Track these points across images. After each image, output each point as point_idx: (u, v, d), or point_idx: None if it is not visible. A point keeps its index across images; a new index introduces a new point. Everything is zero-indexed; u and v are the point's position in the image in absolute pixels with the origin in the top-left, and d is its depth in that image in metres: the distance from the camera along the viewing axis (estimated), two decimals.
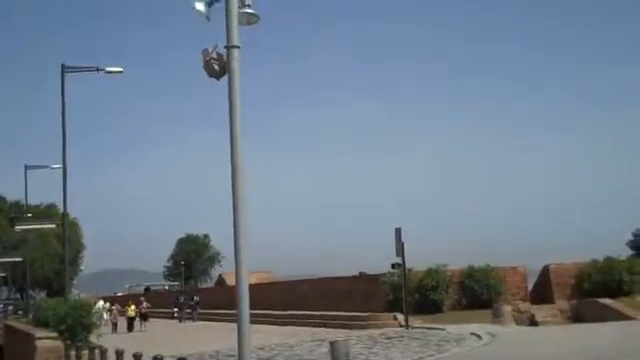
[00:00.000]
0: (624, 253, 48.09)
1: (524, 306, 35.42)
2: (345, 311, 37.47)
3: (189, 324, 51.03)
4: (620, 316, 32.15)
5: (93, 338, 23.85)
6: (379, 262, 35.13)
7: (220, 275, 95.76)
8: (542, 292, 37.91)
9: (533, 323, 33.55)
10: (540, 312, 34.76)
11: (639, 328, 26.98)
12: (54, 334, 21.12)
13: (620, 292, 35.93)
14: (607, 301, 34.32)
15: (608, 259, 37.95)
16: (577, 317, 34.44)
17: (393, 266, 34.16)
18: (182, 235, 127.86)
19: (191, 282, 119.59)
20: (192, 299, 57.44)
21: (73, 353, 19.48)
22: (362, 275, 41.83)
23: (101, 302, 54.50)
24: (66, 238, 32.36)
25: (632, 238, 62.22)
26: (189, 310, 56.02)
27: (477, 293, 35.75)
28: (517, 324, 32.68)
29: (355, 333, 29.89)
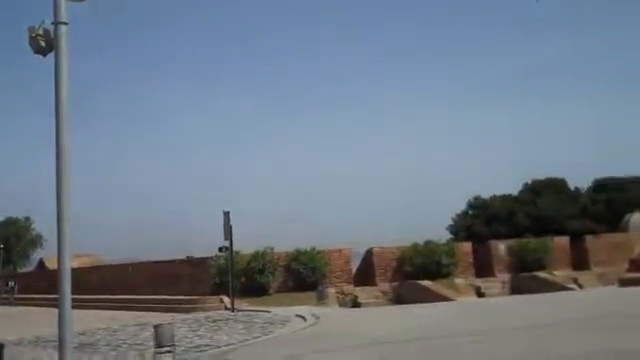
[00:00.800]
0: (445, 237, 50.28)
1: (348, 288, 36.35)
2: (172, 295, 37.20)
3: (6, 309, 49.13)
4: (438, 297, 33.66)
5: None
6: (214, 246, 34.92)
7: (41, 259, 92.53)
8: (366, 274, 38.96)
9: (356, 305, 34.50)
10: (363, 294, 35.78)
11: (454, 309, 28.31)
12: None
13: (439, 274, 37.51)
14: (426, 283, 35.80)
15: (428, 243, 39.47)
16: (398, 299, 35.72)
17: (220, 249, 34.12)
18: (1, 218, 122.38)
19: (10, 267, 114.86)
20: (7, 284, 55.51)
21: None
22: (189, 259, 41.54)
23: None
24: None
25: (452, 223, 65.06)
26: (5, 295, 54.08)
27: (303, 275, 36.30)
28: (341, 306, 33.52)
29: (181, 316, 29.71)
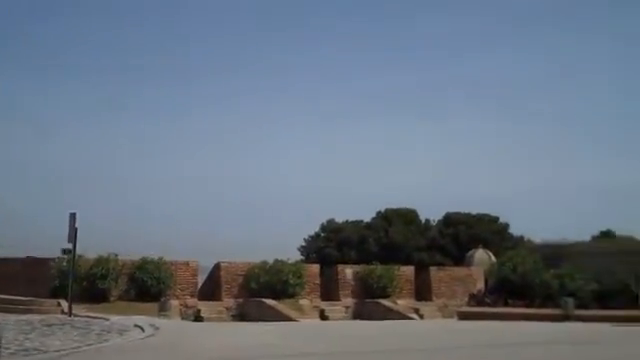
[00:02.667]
0: (294, 256, 50.60)
1: (192, 301, 35.95)
2: (8, 294, 35.69)
3: None
4: (282, 317, 33.85)
5: None
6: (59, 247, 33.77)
7: None
8: (212, 289, 38.65)
9: (198, 319, 34.17)
10: (206, 308, 35.49)
11: (293, 328, 28.60)
12: None
13: (285, 294, 37.63)
14: (271, 302, 35.88)
15: (277, 261, 39.52)
16: (242, 316, 35.70)
17: (64, 251, 33.11)
18: None
19: None
20: None
21: None
22: (29, 258, 39.99)
23: None
24: None
25: (304, 244, 65.44)
26: None
27: (147, 285, 35.64)
28: (183, 319, 33.15)
29: (14, 318, 28.54)
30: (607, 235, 50.53)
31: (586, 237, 46.52)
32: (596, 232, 51.90)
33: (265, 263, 39.23)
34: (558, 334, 25.44)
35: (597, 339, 23.43)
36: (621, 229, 48.63)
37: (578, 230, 76.67)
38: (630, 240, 40.78)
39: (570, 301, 32.87)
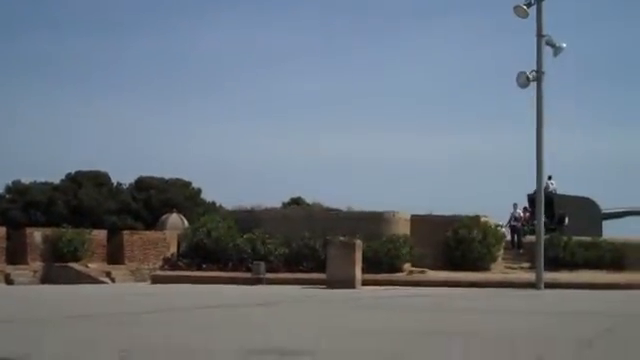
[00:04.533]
0: None
1: None
2: None
3: None
4: None
5: None
6: None
7: None
8: None
9: None
10: None
11: None
12: None
13: None
14: None
15: None
16: None
17: None
18: None
19: None
20: None
21: None
22: None
23: None
24: None
25: None
26: None
27: None
28: None
29: None
30: (297, 202, 52.70)
31: (277, 203, 48.05)
32: (287, 199, 53.91)
33: None
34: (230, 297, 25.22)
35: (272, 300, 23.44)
36: (309, 196, 50.89)
37: (270, 197, 79.48)
38: (318, 207, 42.69)
39: (261, 265, 33.76)
